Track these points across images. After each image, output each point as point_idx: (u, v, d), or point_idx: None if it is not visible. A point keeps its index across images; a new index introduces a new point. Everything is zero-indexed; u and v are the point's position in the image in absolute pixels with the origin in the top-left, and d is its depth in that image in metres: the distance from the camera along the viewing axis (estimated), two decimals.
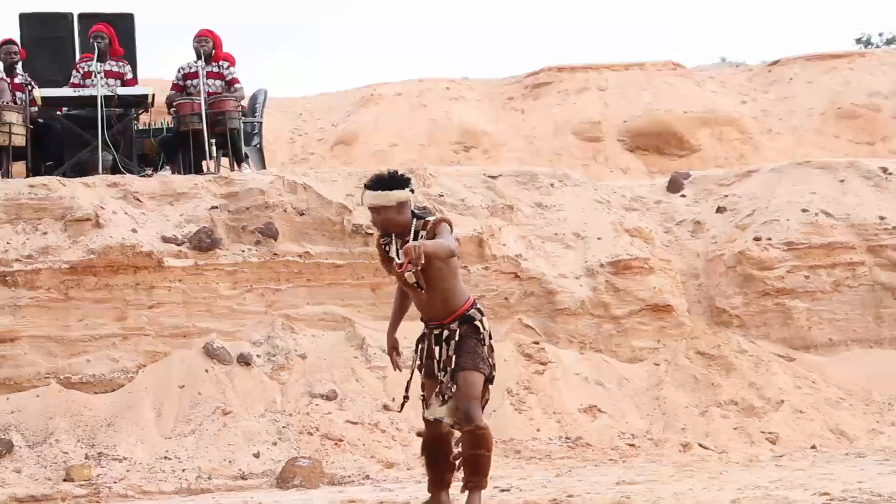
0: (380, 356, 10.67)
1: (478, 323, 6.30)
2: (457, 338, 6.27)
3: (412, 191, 6.33)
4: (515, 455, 10.36)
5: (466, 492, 6.26)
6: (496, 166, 15.51)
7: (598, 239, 12.41)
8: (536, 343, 11.72)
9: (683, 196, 13.72)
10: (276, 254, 11.39)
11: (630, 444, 10.73)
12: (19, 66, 12.90)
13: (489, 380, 6.32)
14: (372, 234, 11.62)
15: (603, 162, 19.74)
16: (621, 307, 12.05)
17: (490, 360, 6.33)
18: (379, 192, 6.25)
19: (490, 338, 6.37)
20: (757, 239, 12.79)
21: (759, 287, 12.58)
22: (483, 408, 6.31)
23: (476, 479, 6.22)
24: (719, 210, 13.44)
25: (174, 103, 12.88)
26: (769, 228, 12.87)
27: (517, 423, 10.79)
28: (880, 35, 30.54)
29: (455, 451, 6.36)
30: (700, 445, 10.74)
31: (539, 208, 12.67)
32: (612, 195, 13.29)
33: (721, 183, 13.80)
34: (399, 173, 6.36)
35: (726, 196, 13.55)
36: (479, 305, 6.42)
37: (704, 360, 11.90)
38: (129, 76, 12.97)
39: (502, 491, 7.98)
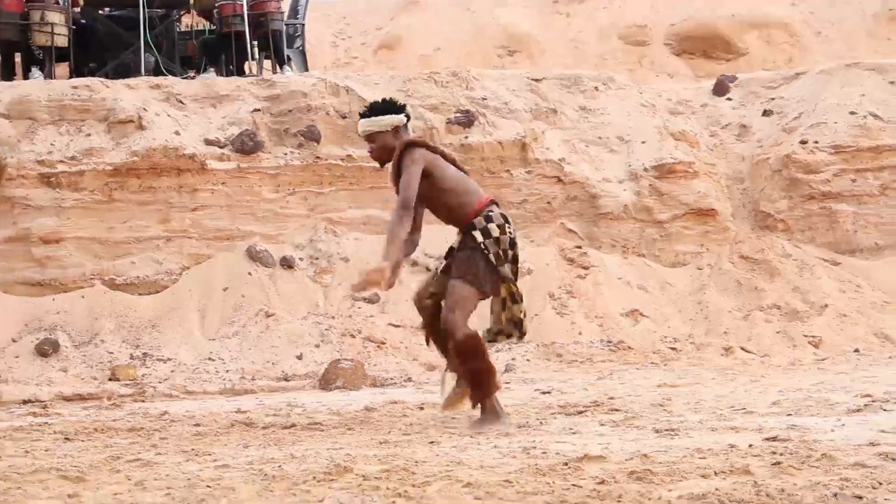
0: (422, 259, 10.63)
1: (476, 233, 6.04)
2: (456, 246, 6.12)
3: (408, 116, 6.19)
4: (557, 358, 10.35)
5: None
6: (540, 70, 15.31)
7: (643, 143, 12.28)
8: (579, 247, 11.66)
9: (729, 99, 13.51)
10: (318, 157, 11.34)
11: (672, 348, 10.71)
12: None
13: (483, 291, 6.01)
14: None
15: (648, 66, 19.50)
16: (665, 211, 11.95)
17: (493, 271, 6.01)
18: (372, 118, 6.12)
19: (497, 245, 6.05)
20: (803, 142, 12.59)
21: (805, 191, 12.42)
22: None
23: (475, 393, 6.02)
24: (766, 113, 13.23)
25: (216, 5, 12.76)
26: (816, 131, 12.66)
27: (559, 327, 10.78)
28: None
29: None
30: (742, 349, 10.70)
31: (583, 112, 12.54)
32: (657, 99, 13.12)
33: (768, 86, 13.58)
34: (393, 100, 6.25)
35: (773, 99, 13.35)
36: (491, 211, 6.11)
37: (748, 264, 11.81)
38: None
39: (543, 393, 7.97)
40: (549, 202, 11.84)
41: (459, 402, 6.15)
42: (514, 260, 6.18)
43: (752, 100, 13.46)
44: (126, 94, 11.15)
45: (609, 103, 12.72)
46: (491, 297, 6.10)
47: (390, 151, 6.11)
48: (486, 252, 6.02)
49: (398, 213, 5.92)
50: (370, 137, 6.18)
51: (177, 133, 10.99)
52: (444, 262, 6.21)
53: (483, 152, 11.72)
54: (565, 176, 11.92)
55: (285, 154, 11.26)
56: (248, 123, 11.32)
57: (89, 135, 10.88)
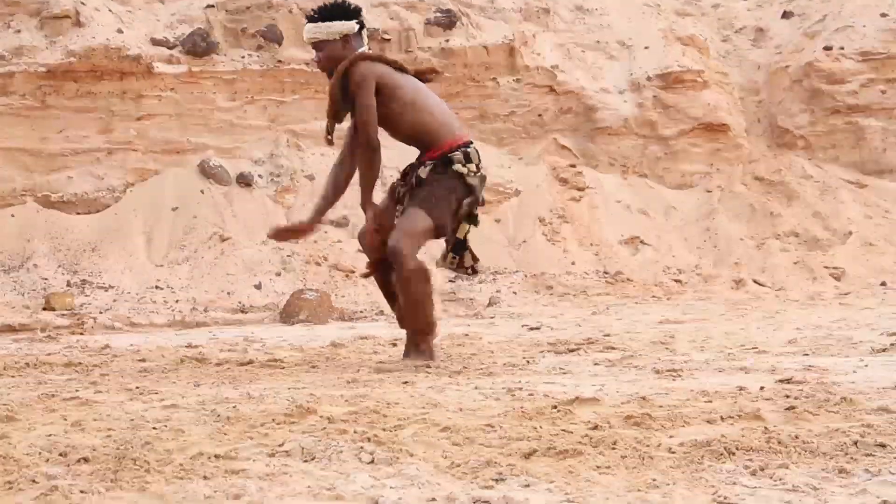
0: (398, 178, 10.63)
1: (457, 167, 5.95)
2: (424, 175, 6.05)
3: (361, 23, 6.09)
4: (547, 290, 10.38)
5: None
6: None
7: (646, 48, 12.24)
8: (573, 166, 11.65)
9: None
10: (280, 61, 11.26)
11: (676, 280, 10.74)
12: None
13: (441, 228, 5.92)
14: (390, 39, 11.48)
15: None
16: (670, 126, 11.94)
17: (452, 208, 5.92)
18: (319, 23, 6.00)
19: (468, 192, 5.95)
20: (828, 48, 12.57)
21: (829, 104, 12.41)
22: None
23: (414, 326, 6.01)
24: (785, 15, 13.18)
25: None
26: (842, 36, 12.63)
27: (550, 256, 10.80)
28: None
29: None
30: (755, 282, 10.75)
31: (579, 12, 12.47)
32: None
33: None
34: (346, 2, 6.08)
35: None
36: (468, 148, 6.02)
37: (763, 186, 11.83)
38: None
39: (531, 329, 8.00)
40: (539, 115, 11.82)
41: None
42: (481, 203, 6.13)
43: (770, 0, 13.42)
44: None
45: (608, 3, 12.67)
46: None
47: (339, 63, 6.00)
48: (456, 191, 5.95)
49: (365, 154, 5.87)
50: (316, 45, 6.04)
51: (119, 31, 10.89)
52: (400, 189, 6.14)
53: (466, 58, 11.66)
54: (558, 85, 11.88)
55: (242, 57, 11.18)
56: (201, 21, 11.22)
57: (19, 31, 10.77)
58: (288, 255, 10.26)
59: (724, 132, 12.04)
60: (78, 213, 10.44)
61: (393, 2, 11.72)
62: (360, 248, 6.23)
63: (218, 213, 10.47)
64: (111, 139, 10.72)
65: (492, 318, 9.18)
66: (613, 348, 6.65)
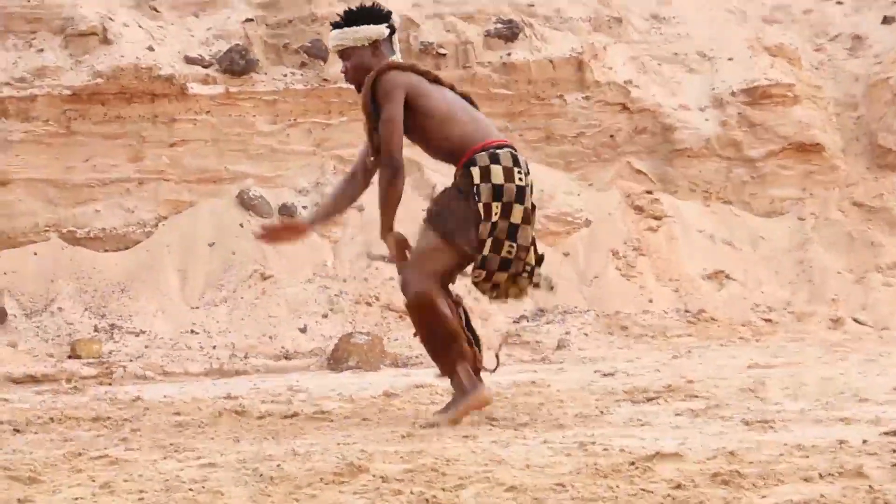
0: None
1: (473, 169, 5.81)
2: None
3: (392, 27, 6.07)
4: (622, 332, 10.34)
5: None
6: None
7: (729, 60, 12.21)
8: (649, 192, 11.63)
9: (840, 3, 13.40)
10: (325, 79, 11.33)
11: (766, 319, 10.68)
12: None
13: (454, 245, 5.77)
14: (445, 54, 11.53)
15: None
16: (757, 146, 11.90)
17: (474, 224, 5.76)
18: (345, 29, 6.01)
19: (494, 195, 5.76)
20: None
21: None
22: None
23: (438, 362, 5.94)
24: (886, 20, 13.11)
25: None
26: None
27: (624, 293, 10.76)
28: None
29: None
30: (855, 320, 10.67)
31: (655, 21, 12.47)
32: (748, 3, 13.04)
33: None
34: (376, 5, 6.11)
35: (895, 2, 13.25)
36: (500, 150, 5.89)
37: (863, 212, 11.75)
38: None
39: (605, 375, 7.98)
40: (612, 136, 11.81)
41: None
42: (526, 218, 5.87)
43: (868, 3, 13.36)
44: None
45: (687, 10, 12.65)
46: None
47: (368, 73, 5.97)
48: (474, 197, 5.80)
49: (387, 173, 5.82)
50: (343, 53, 6.05)
51: (150, 49, 10.99)
52: None
53: (530, 73, 11.69)
54: (632, 102, 11.88)
55: (284, 76, 11.26)
56: (239, 37, 11.32)
57: (42, 51, 10.90)
58: (335, 295, 10.30)
59: (818, 152, 11.97)
60: (106, 250, 10.53)
61: (449, 12, 11.77)
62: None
63: (258, 248, 10.52)
64: (142, 168, 10.82)
65: (561, 362, 9.16)
66: (697, 396, 6.63)
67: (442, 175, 10.95)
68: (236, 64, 11.15)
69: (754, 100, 12.04)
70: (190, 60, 11.13)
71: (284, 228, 6.41)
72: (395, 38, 6.15)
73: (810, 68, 12.61)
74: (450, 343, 5.90)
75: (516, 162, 5.91)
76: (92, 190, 10.71)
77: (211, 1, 11.56)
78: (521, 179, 5.88)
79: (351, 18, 6.06)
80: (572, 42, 11.92)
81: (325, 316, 10.14)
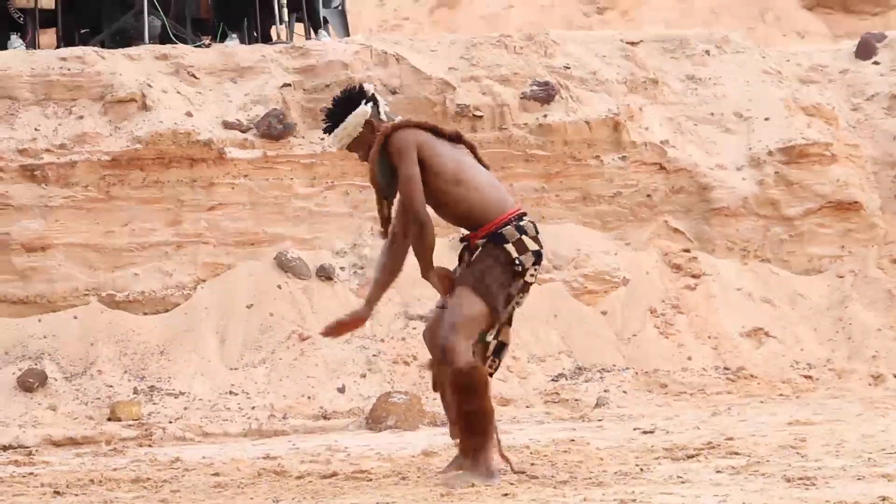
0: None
1: (508, 247, 5.90)
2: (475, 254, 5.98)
3: (373, 100, 6.12)
4: (661, 389, 10.30)
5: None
6: (637, 30, 15.25)
7: (766, 120, 12.20)
8: (687, 251, 11.60)
9: (877, 63, 13.38)
10: None
11: (805, 376, 10.62)
12: None
13: (497, 313, 5.86)
14: (482, 116, 11.56)
15: (773, 23, 19.36)
16: (795, 205, 11.86)
17: (507, 293, 5.89)
18: (336, 130, 6.10)
19: (521, 270, 5.90)
20: None
21: None
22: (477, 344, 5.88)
23: (468, 440, 5.87)
24: None
25: None
26: None
27: (663, 350, 10.72)
28: None
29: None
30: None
31: (690, 82, 12.48)
32: (785, 64, 13.03)
33: None
34: (346, 90, 6.20)
35: None
36: (522, 221, 5.99)
37: None
38: None
39: (644, 433, 7.96)
40: (648, 195, 11.80)
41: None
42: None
43: None
44: (126, 66, 11.25)
45: (723, 71, 12.65)
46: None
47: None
48: (517, 268, 5.90)
49: (415, 230, 5.90)
50: (350, 148, 6.17)
51: (189, 114, 11.07)
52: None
53: (566, 134, 11.71)
54: (669, 162, 11.86)
55: (322, 139, 11.30)
56: (277, 102, 11.38)
57: (82, 117, 10.99)
58: (374, 355, 10.29)
59: (857, 210, 11.92)
60: (145, 313, 10.55)
61: (485, 75, 11.80)
62: (425, 344, 6.16)
63: (297, 309, 10.54)
64: (180, 231, 10.86)
65: (600, 420, 9.13)
66: (737, 454, 6.60)
67: None
68: (274, 128, 11.21)
69: (791, 159, 12.01)
70: (228, 125, 11.19)
71: (347, 324, 6.36)
72: (381, 104, 6.18)
73: (847, 127, 12.59)
74: (487, 424, 5.86)
75: (536, 230, 6.06)
76: (131, 254, 10.75)
77: (249, 67, 11.63)
78: (540, 246, 6.04)
79: (336, 116, 6.13)
80: (608, 103, 11.93)
81: (363, 376, 10.13)
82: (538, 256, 6.00)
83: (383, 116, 6.16)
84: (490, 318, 5.90)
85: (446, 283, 5.98)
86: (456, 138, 6.18)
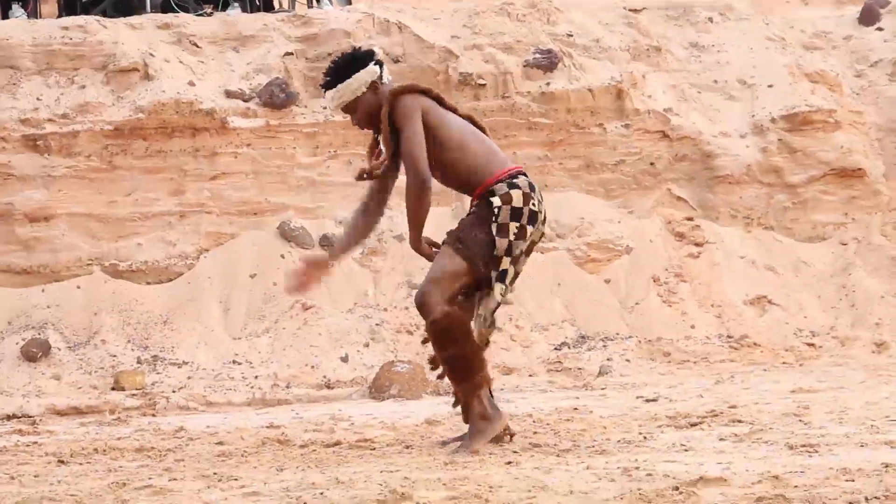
0: None
1: (493, 199, 5.88)
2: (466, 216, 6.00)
3: (379, 62, 6.11)
4: (664, 358, 10.31)
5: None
6: None
7: (770, 87, 12.17)
8: (690, 219, 11.59)
9: (881, 29, 13.35)
10: None
11: (809, 344, 10.62)
12: None
13: (476, 268, 5.84)
14: (485, 84, 11.54)
15: None
16: (799, 172, 11.84)
17: (489, 248, 5.84)
18: (338, 86, 6.05)
19: (512, 217, 5.87)
20: None
21: None
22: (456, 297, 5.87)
23: (460, 387, 5.91)
24: None
25: None
26: None
27: (666, 319, 10.73)
28: None
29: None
30: None
31: (694, 49, 12.45)
32: (788, 31, 13.00)
33: None
34: (354, 50, 6.18)
35: None
36: (517, 178, 5.97)
37: None
38: None
39: (648, 401, 7.96)
40: (652, 163, 11.78)
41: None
42: (532, 243, 6.04)
43: None
44: (128, 35, 11.23)
45: (727, 38, 12.63)
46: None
47: (377, 114, 6.05)
48: (495, 220, 5.87)
49: (414, 189, 5.88)
50: (347, 108, 6.13)
51: (191, 84, 11.05)
52: None
53: (569, 102, 11.69)
54: (672, 130, 11.85)
55: (324, 108, 11.29)
56: (279, 71, 11.36)
57: (84, 87, 10.97)
58: (377, 325, 10.30)
59: (860, 178, 11.90)
60: (148, 283, 10.56)
61: (488, 43, 11.78)
62: (419, 313, 6.14)
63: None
64: (183, 201, 10.86)
65: (603, 389, 9.14)
66: (740, 421, 6.60)
67: None
68: (276, 97, 11.19)
69: (795, 126, 11.99)
70: (230, 94, 11.18)
71: (307, 272, 6.33)
72: (385, 69, 6.16)
73: (851, 94, 12.56)
74: (474, 366, 5.90)
75: (532, 188, 6.01)
76: (134, 224, 10.76)
77: (251, 36, 11.61)
78: (534, 205, 5.97)
79: (340, 73, 6.09)
80: (611, 71, 11.91)
81: (366, 345, 10.14)
82: (519, 214, 5.90)
83: (386, 79, 6.16)
84: (469, 273, 5.90)
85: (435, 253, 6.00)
86: (453, 111, 6.18)
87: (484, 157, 6.03)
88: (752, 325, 10.75)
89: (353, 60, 6.13)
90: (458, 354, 5.87)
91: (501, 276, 5.92)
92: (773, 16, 13.65)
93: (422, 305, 5.88)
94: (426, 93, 6.12)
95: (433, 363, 6.20)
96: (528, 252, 6.08)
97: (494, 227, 5.86)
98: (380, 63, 6.15)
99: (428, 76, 11.49)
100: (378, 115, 6.06)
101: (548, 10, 12.17)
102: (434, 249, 6.05)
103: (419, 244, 6.01)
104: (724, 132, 11.96)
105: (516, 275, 6.05)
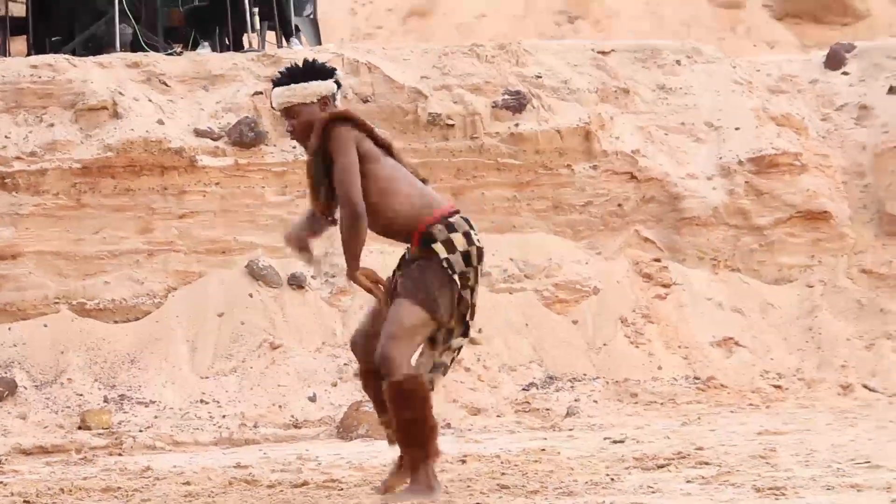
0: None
1: (436, 246, 5.77)
2: (411, 265, 5.87)
3: (338, 83, 6.00)
4: (631, 399, 10.31)
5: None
6: (609, 40, 15.29)
7: (737, 129, 12.24)
8: (657, 260, 11.62)
9: (846, 74, 13.44)
10: None
11: (775, 386, 10.65)
12: None
13: (437, 318, 5.74)
14: (454, 125, 11.57)
15: (744, 34, 19.44)
16: (765, 215, 11.89)
17: (452, 294, 5.74)
18: (292, 85, 5.92)
19: (465, 262, 5.77)
20: None
21: None
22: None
23: (409, 451, 5.78)
24: (892, 90, 13.14)
25: None
26: None
27: (633, 360, 10.74)
28: None
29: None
30: (865, 387, 10.63)
31: (661, 91, 12.51)
32: (755, 74, 13.07)
33: (895, 56, 13.49)
34: (319, 62, 6.08)
35: None
36: (452, 218, 5.86)
37: (871, 280, 11.73)
38: None
39: (615, 443, 7.97)
40: (619, 204, 11.82)
41: (403, 480, 5.92)
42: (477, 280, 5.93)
43: (874, 74, 13.37)
44: (97, 74, 11.22)
45: (694, 81, 12.69)
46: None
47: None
48: (448, 270, 5.76)
49: (348, 221, 5.78)
50: (290, 111, 5.95)
51: (160, 122, 11.05)
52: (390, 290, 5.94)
53: (538, 143, 11.72)
54: (640, 172, 11.89)
55: (294, 147, 11.29)
56: (248, 110, 11.36)
57: (52, 125, 10.96)
58: (345, 364, 10.28)
59: (826, 220, 11.96)
60: (116, 322, 10.52)
61: (457, 84, 11.81)
62: (353, 352, 6.09)
63: (268, 318, 10.53)
64: (151, 239, 10.83)
65: (570, 430, 9.14)
66: (707, 463, 6.61)
67: None
68: (245, 136, 11.19)
69: (761, 169, 12.04)
70: (199, 133, 11.18)
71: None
72: (340, 94, 6.06)
73: (817, 137, 12.63)
74: (428, 437, 5.75)
75: (470, 225, 5.90)
76: (101, 262, 10.73)
77: (220, 75, 11.61)
78: (477, 241, 5.87)
79: (297, 75, 5.96)
80: (580, 112, 11.95)
81: (334, 385, 10.12)
82: (467, 257, 5.80)
83: (338, 103, 6.05)
84: (430, 322, 5.81)
85: (375, 283, 5.89)
86: (387, 147, 6.04)
87: (415, 200, 5.88)
88: (718, 366, 10.76)
89: (315, 70, 5.99)
90: (416, 419, 5.72)
91: (466, 326, 5.87)
92: (740, 59, 13.74)
93: (385, 362, 5.71)
94: (360, 125, 5.96)
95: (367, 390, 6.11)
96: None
97: (457, 278, 5.76)
98: (338, 83, 6.06)
99: (397, 116, 11.52)
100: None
101: (517, 52, 12.22)
102: (378, 285, 5.91)
103: (355, 275, 5.88)
104: (692, 174, 12.00)
105: (474, 308, 5.95)
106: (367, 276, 5.89)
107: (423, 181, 6.07)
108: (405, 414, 5.71)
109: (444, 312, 5.79)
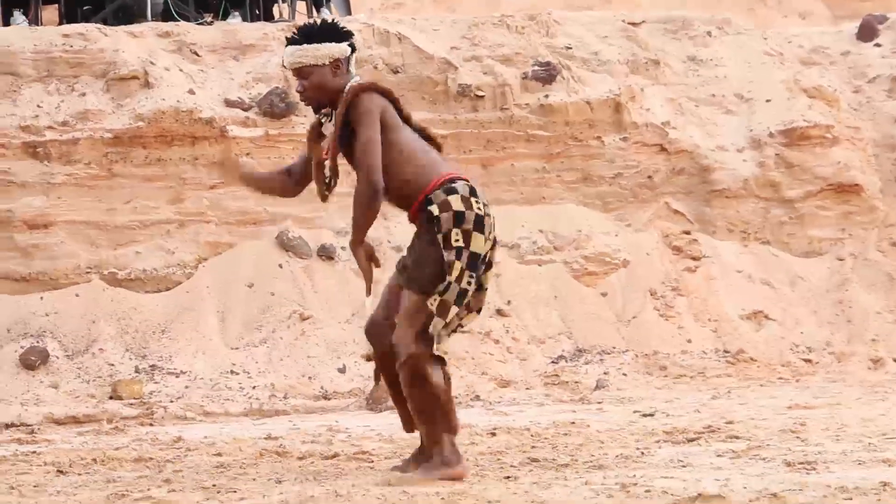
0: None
1: (432, 208, 5.64)
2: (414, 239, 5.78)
3: (353, 46, 5.92)
4: (660, 372, 10.31)
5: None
6: (638, 11, 15.23)
7: (767, 101, 12.19)
8: (687, 233, 11.60)
9: (878, 45, 13.37)
10: None
11: (805, 359, 10.63)
12: None
13: (427, 293, 5.63)
14: (483, 96, 11.55)
15: (774, 5, 19.35)
16: (795, 187, 11.86)
17: (451, 272, 5.60)
18: (304, 45, 5.80)
19: (454, 222, 5.61)
20: None
21: None
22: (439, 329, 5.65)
23: (426, 428, 5.71)
24: None
25: None
26: None
27: (663, 333, 10.73)
28: None
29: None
30: (895, 360, 10.61)
31: (692, 63, 12.47)
32: (786, 46, 13.02)
33: None
34: (335, 24, 5.97)
35: None
36: (454, 182, 5.73)
37: None
38: None
39: (644, 416, 7.97)
40: (649, 176, 11.80)
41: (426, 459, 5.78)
42: (486, 252, 5.76)
43: None
44: (129, 43, 11.23)
45: (725, 52, 12.64)
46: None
47: (329, 93, 5.82)
48: (436, 230, 5.64)
49: (365, 196, 5.69)
50: (301, 72, 5.84)
51: (191, 92, 11.06)
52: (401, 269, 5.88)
53: (567, 114, 11.70)
54: (670, 144, 11.86)
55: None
56: (279, 80, 11.36)
57: (84, 94, 10.98)
58: None
59: (857, 193, 11.92)
60: (147, 292, 10.55)
61: (487, 55, 11.79)
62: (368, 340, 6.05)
63: (297, 289, 10.54)
64: (182, 210, 10.85)
65: (600, 403, 9.15)
66: (737, 437, 6.61)
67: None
68: (276, 106, 11.20)
69: (792, 141, 12.00)
70: (230, 103, 11.18)
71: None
72: (354, 59, 5.98)
73: (848, 109, 12.58)
74: (437, 414, 5.69)
75: (473, 192, 5.75)
76: (133, 232, 10.75)
77: (251, 45, 11.61)
78: (479, 209, 5.71)
79: (311, 35, 5.87)
80: (610, 84, 11.92)
81: (364, 356, 10.15)
82: (462, 218, 5.63)
83: (352, 68, 5.99)
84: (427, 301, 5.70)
85: (369, 261, 5.85)
86: (407, 119, 5.97)
87: (423, 167, 5.78)
88: (748, 339, 10.75)
89: (330, 31, 5.89)
90: (425, 397, 5.66)
91: (445, 289, 5.70)
92: (771, 30, 13.68)
93: (394, 346, 5.73)
94: (386, 94, 5.89)
95: (378, 378, 6.10)
96: (487, 266, 5.85)
97: (440, 238, 5.64)
98: (353, 47, 5.99)
99: (427, 87, 11.51)
100: (327, 95, 5.83)
101: (547, 23, 12.19)
102: (370, 265, 5.86)
103: (357, 247, 5.77)
104: (722, 146, 11.97)
105: (482, 289, 5.83)
106: (367, 251, 5.84)
107: (439, 148, 6.01)
108: (412, 392, 5.70)
109: (432, 288, 5.66)
